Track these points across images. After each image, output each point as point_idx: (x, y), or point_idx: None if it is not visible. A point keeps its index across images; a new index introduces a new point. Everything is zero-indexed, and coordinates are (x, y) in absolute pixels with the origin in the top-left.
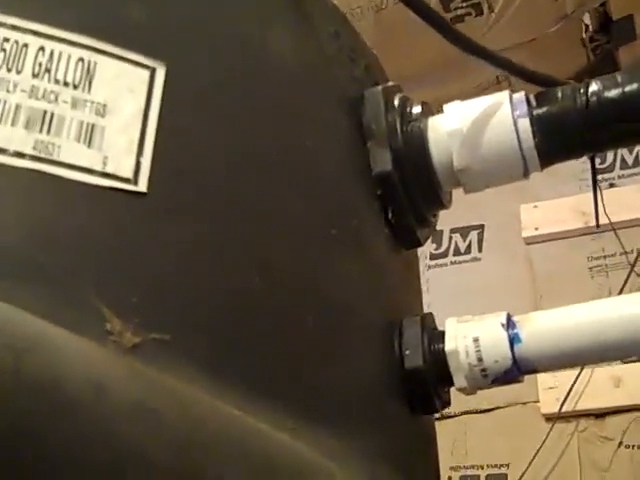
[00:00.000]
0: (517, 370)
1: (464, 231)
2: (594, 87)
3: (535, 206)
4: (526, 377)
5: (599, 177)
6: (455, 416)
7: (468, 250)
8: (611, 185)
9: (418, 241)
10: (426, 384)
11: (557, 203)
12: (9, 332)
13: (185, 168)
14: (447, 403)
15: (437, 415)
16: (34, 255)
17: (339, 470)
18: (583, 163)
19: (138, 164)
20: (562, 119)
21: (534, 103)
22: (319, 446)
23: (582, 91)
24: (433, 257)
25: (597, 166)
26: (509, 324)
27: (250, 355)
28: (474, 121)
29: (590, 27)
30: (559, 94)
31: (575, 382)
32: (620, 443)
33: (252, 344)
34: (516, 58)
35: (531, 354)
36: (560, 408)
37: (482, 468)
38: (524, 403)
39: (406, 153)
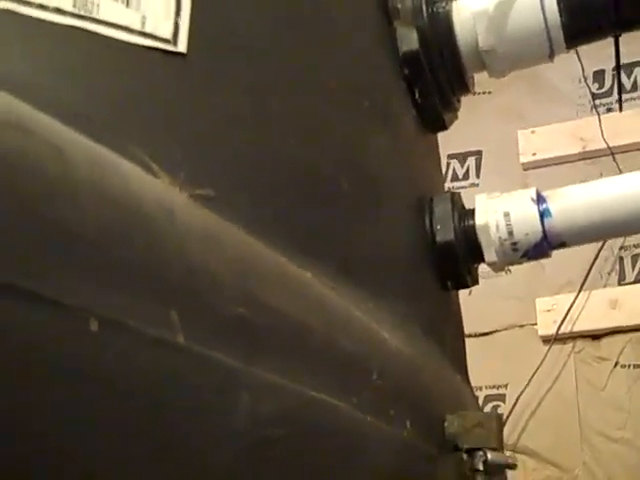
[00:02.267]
0: (547, 244)
1: (462, 157)
2: None
3: (533, 131)
4: (524, 299)
5: (597, 102)
6: None
7: (466, 176)
8: (609, 110)
9: (443, 124)
10: (457, 258)
11: (555, 128)
12: (92, 148)
13: (224, 32)
14: (476, 280)
15: None
16: (80, 108)
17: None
18: (581, 88)
19: (176, 25)
20: None
21: None
22: (358, 306)
23: None
24: None
25: (595, 91)
26: (539, 199)
27: (289, 213)
28: (500, 1)
29: None
30: None
31: (572, 304)
32: (616, 363)
33: (291, 203)
34: None
35: (561, 228)
36: (557, 330)
37: (481, 389)
38: (522, 326)
39: (432, 34)
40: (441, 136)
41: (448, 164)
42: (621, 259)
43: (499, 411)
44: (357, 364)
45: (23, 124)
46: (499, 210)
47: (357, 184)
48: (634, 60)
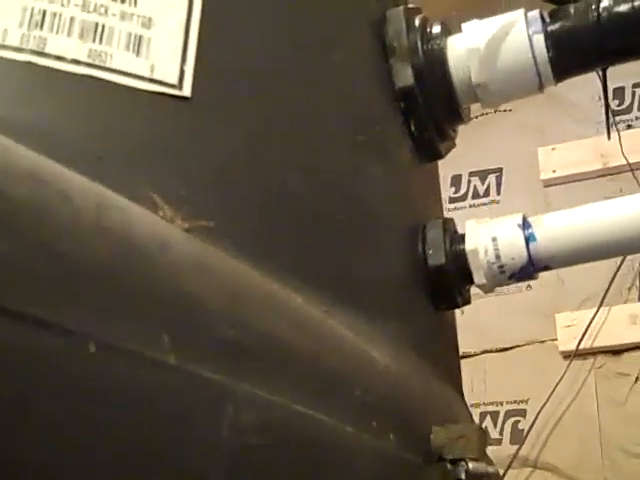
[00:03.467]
0: (532, 267)
1: (483, 174)
2: (605, 3)
3: (553, 148)
4: (544, 316)
5: (617, 119)
6: (475, 355)
7: (487, 193)
8: (629, 126)
9: (439, 153)
10: (448, 280)
11: (575, 145)
12: (93, 190)
13: (226, 75)
14: (467, 301)
15: None
16: (94, 149)
17: (369, 346)
18: (600, 106)
19: (182, 71)
20: (575, 34)
21: (548, 20)
22: (349, 327)
23: (594, 7)
24: (452, 200)
25: (615, 107)
26: (525, 224)
27: (286, 242)
28: (491, 38)
29: None
30: (572, 10)
31: (592, 320)
32: (637, 378)
33: (288, 233)
34: None
35: (545, 252)
36: (577, 345)
37: (501, 404)
38: (542, 341)
39: (427, 69)
40: (461, 154)
41: (469, 181)
42: None
43: (520, 426)
44: (341, 381)
45: (36, 174)
46: (487, 235)
47: (352, 214)
48: None
